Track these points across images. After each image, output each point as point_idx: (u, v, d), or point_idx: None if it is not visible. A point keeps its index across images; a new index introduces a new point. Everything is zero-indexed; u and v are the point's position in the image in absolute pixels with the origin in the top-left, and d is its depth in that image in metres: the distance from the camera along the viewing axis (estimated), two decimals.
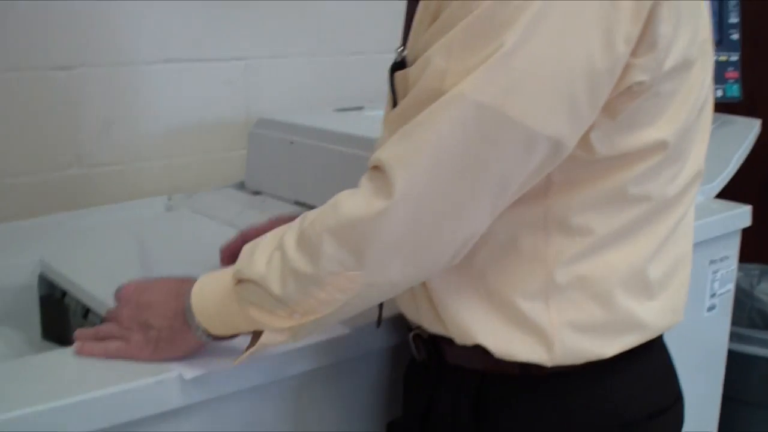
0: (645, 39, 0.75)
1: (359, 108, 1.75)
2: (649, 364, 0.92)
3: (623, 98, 0.78)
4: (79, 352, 0.90)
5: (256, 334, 0.87)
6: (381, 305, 1.01)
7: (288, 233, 0.82)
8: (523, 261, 0.84)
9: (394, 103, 0.86)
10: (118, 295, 0.94)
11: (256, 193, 1.64)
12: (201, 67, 1.77)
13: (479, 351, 0.87)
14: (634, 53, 0.75)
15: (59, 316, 1.27)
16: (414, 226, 0.76)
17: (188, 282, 0.89)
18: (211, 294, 0.87)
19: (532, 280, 0.84)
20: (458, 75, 0.74)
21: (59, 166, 1.61)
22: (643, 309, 0.87)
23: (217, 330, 0.88)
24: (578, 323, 0.85)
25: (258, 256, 0.83)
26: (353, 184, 1.39)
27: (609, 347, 0.86)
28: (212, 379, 0.90)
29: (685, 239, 0.91)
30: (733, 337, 1.76)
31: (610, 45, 0.73)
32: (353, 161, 1.39)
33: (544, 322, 0.84)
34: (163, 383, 0.87)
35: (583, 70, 0.73)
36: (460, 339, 0.88)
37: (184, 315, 0.87)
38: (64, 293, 1.21)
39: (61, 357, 0.92)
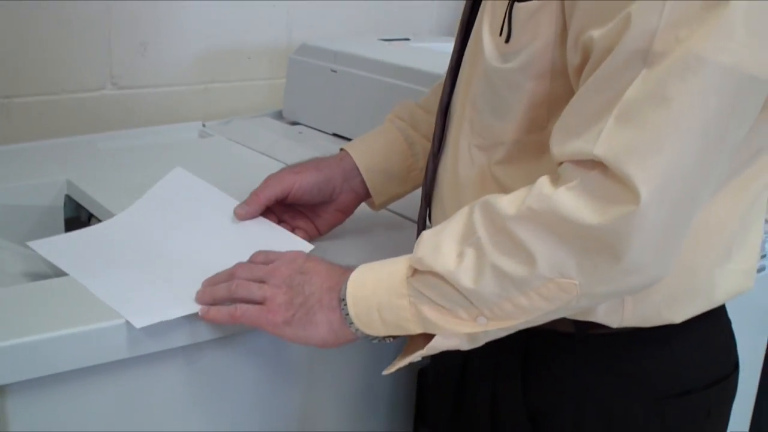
0: None
1: (405, 39, 1.68)
2: (712, 330, 0.85)
3: None
4: (205, 317, 0.82)
5: (419, 337, 0.78)
6: None
7: (479, 224, 0.72)
8: None
9: (507, 38, 0.76)
10: (281, 255, 0.86)
11: (294, 123, 1.59)
12: None
13: None
14: None
15: None
16: (664, 228, 0.66)
17: (353, 269, 0.80)
18: (374, 283, 0.77)
19: None
20: (680, 33, 0.63)
21: (92, 87, 1.58)
22: (721, 272, 0.80)
23: (373, 327, 0.78)
24: (663, 286, 0.76)
25: (446, 248, 0.73)
26: None
27: (681, 312, 0.79)
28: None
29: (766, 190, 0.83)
30: None
31: None
32: (398, 93, 1.34)
33: None
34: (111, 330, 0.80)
35: None
36: None
37: (338, 294, 0.79)
38: (90, 216, 1.16)
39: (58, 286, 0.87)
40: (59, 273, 0.91)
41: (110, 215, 1.07)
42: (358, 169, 1.02)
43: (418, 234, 0.93)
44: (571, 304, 0.71)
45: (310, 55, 1.55)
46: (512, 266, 0.70)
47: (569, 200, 0.67)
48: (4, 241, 1.12)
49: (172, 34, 1.64)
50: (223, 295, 0.83)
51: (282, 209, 1.02)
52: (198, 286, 0.85)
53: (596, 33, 0.67)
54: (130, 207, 1.02)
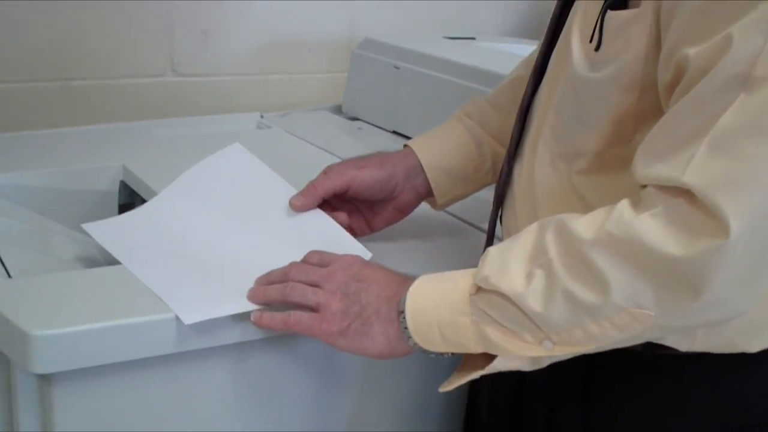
0: None
1: (471, 38, 1.64)
2: None
3: None
4: (257, 323, 0.79)
5: (478, 354, 0.75)
6: None
7: (551, 245, 0.69)
8: None
9: (597, 46, 0.72)
10: (337, 258, 0.83)
11: (353, 118, 1.57)
12: None
13: None
14: None
15: None
16: (751, 265, 0.63)
17: (411, 278, 0.77)
18: (435, 298, 0.74)
19: None
20: None
21: (151, 73, 1.58)
22: None
23: (432, 343, 0.75)
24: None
25: (514, 268, 0.70)
26: None
27: (756, 343, 0.75)
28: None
29: None
30: None
31: None
32: (461, 92, 1.31)
33: None
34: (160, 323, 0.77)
35: None
36: None
37: (397, 306, 0.76)
38: (144, 202, 1.15)
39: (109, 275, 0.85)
40: (111, 260, 0.89)
41: None
42: (421, 166, 0.97)
43: (489, 237, 0.91)
44: (644, 335, 0.67)
45: (374, 51, 1.53)
46: (585, 293, 0.66)
47: (652, 228, 0.63)
48: (59, 225, 1.11)
49: (234, 23, 1.63)
50: (276, 297, 0.80)
51: (339, 203, 0.98)
52: (249, 283, 0.83)
53: (692, 51, 0.63)
54: (183, 177, 0.99)
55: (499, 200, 0.88)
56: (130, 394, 0.80)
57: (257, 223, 0.94)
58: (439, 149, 0.99)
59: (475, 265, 0.74)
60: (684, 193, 0.62)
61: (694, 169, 0.61)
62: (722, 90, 0.61)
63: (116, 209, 1.21)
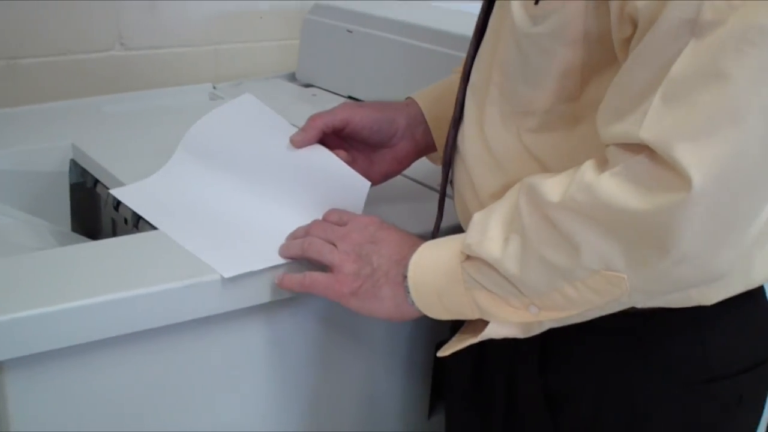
0: None
1: None
2: (749, 313, 0.80)
3: None
4: (279, 285, 0.83)
5: (475, 322, 0.76)
6: (440, 214, 0.89)
7: (524, 210, 0.68)
8: None
9: (536, 0, 0.71)
10: (355, 218, 0.85)
11: (308, 85, 1.55)
12: None
13: None
14: None
15: (90, 207, 1.20)
16: (721, 219, 0.60)
17: (419, 242, 0.79)
18: (432, 268, 0.75)
19: None
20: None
21: (99, 47, 1.54)
22: (760, 252, 0.74)
23: (435, 311, 0.77)
24: None
25: (493, 233, 0.70)
26: (415, 79, 1.27)
27: (712, 295, 0.74)
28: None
29: None
30: None
31: None
32: (417, 54, 1.29)
33: None
34: (199, 286, 0.78)
35: None
36: None
37: (404, 270, 0.77)
38: (96, 182, 1.12)
39: (87, 251, 0.84)
40: (64, 243, 0.87)
41: (116, 181, 1.03)
42: (423, 116, 0.97)
43: (440, 201, 0.90)
44: (623, 299, 0.67)
45: (325, 15, 1.50)
46: (556, 256, 0.66)
47: (613, 187, 0.62)
48: (8, 207, 1.08)
49: None
50: (297, 252, 0.84)
51: (336, 143, 0.95)
52: (274, 237, 0.86)
53: (640, 3, 0.61)
54: (194, 128, 1.00)
55: (448, 165, 0.87)
56: (84, 378, 0.78)
57: (273, 173, 0.95)
58: (440, 100, 0.97)
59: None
60: (644, 149, 0.61)
61: (650, 123, 0.60)
62: (671, 38, 0.59)
63: (67, 189, 1.18)
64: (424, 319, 0.80)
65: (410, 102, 0.98)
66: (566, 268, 0.66)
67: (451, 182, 0.89)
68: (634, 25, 0.63)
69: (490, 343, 0.84)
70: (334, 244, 0.82)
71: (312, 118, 0.93)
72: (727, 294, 0.75)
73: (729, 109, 0.57)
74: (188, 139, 0.99)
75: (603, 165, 0.65)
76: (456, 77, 0.96)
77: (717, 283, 0.73)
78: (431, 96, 0.98)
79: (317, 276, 0.81)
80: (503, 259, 0.69)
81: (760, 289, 0.80)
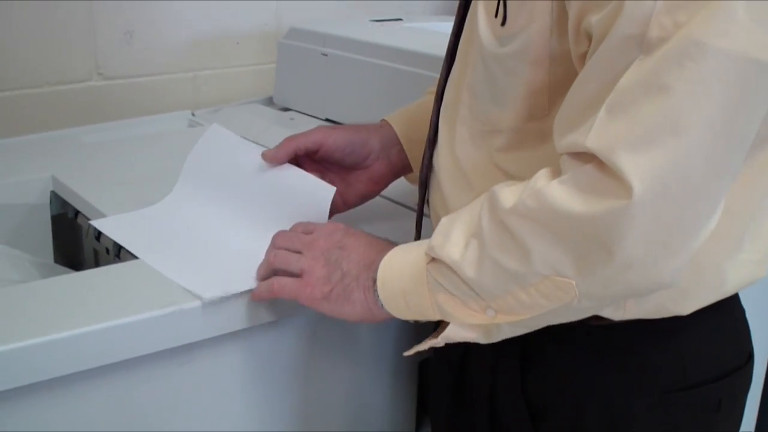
0: None
1: (398, 19, 1.63)
2: (723, 321, 0.81)
3: None
4: (254, 299, 0.84)
5: (443, 325, 0.77)
6: (418, 234, 0.91)
7: (484, 216, 0.70)
8: None
9: (503, 21, 0.72)
10: (320, 227, 0.86)
11: (285, 109, 1.56)
12: None
13: None
14: None
15: (72, 238, 1.20)
16: (663, 226, 0.62)
17: (390, 245, 0.80)
18: (399, 268, 0.77)
19: None
20: (678, 18, 0.59)
21: (77, 78, 1.54)
22: (732, 263, 0.76)
23: (400, 311, 0.78)
24: None
25: (455, 238, 0.72)
26: (391, 100, 1.29)
27: (688, 306, 0.76)
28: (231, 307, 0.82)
29: None
30: None
31: None
32: (391, 75, 1.30)
33: None
34: (179, 314, 0.79)
35: None
36: None
37: (374, 274, 0.78)
38: (76, 213, 1.13)
39: (67, 283, 0.84)
40: (46, 275, 0.88)
41: (97, 212, 1.04)
42: (397, 138, 0.98)
43: (417, 222, 0.91)
44: (573, 305, 0.68)
45: (300, 39, 1.51)
46: (509, 261, 0.68)
47: (561, 194, 0.64)
48: None
49: (157, 21, 1.60)
50: (264, 268, 0.85)
51: (312, 167, 0.97)
52: (254, 260, 0.87)
53: (594, 18, 0.63)
54: (183, 174, 1.02)
55: (424, 185, 0.89)
56: (67, 410, 0.79)
57: (246, 197, 0.97)
58: (415, 122, 0.98)
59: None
60: (593, 158, 0.63)
61: (596, 132, 0.62)
62: (621, 52, 0.61)
63: (49, 221, 1.19)
64: (408, 337, 0.81)
65: (384, 124, 0.99)
66: (518, 272, 0.67)
67: (428, 202, 0.90)
68: (590, 40, 0.65)
69: (473, 356, 0.86)
70: (300, 253, 0.83)
71: (286, 140, 0.94)
72: (701, 304, 0.77)
73: (669, 120, 0.59)
74: (179, 186, 1.02)
75: (557, 174, 0.67)
76: (430, 98, 0.97)
77: (690, 295, 0.75)
78: (405, 117, 1.00)
79: (286, 280, 0.81)
80: (462, 263, 0.70)
81: (733, 297, 0.82)
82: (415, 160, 0.98)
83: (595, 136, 0.62)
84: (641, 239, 0.62)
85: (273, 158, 0.93)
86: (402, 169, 1.00)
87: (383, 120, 1.00)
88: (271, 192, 0.94)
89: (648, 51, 0.60)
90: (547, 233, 0.65)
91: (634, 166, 0.60)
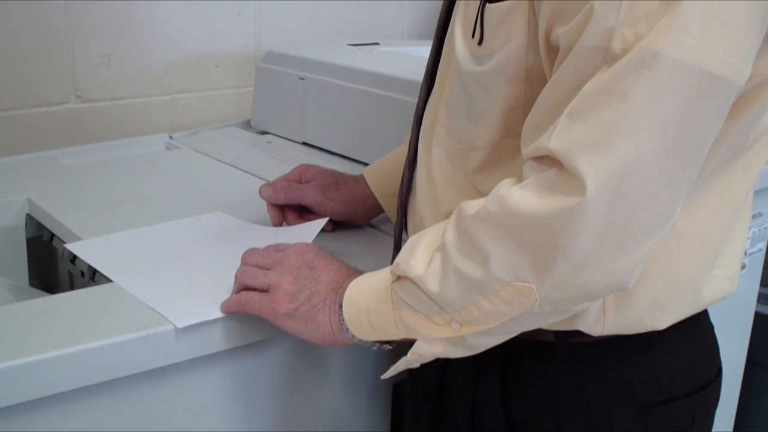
0: None
1: (374, 44, 1.65)
2: (695, 336, 0.83)
3: None
4: (223, 312, 0.84)
5: (410, 344, 0.78)
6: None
7: (448, 228, 0.71)
8: None
9: (480, 40, 0.74)
10: (292, 245, 0.87)
11: (263, 132, 1.57)
12: None
13: None
14: None
15: (47, 260, 1.20)
16: (614, 226, 0.63)
17: (359, 273, 0.81)
18: (366, 288, 0.78)
19: None
20: (639, 30, 0.61)
21: (55, 100, 1.54)
22: (705, 278, 0.78)
23: (363, 332, 0.78)
24: (645, 293, 0.75)
25: (419, 253, 0.73)
26: (367, 124, 1.30)
27: (664, 320, 0.77)
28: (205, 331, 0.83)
29: (751, 193, 0.81)
30: (761, 298, 1.67)
31: None
32: (367, 99, 1.31)
33: None
34: (153, 337, 0.79)
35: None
36: None
37: (340, 298, 0.79)
38: (52, 235, 1.13)
39: (41, 306, 0.84)
40: (21, 298, 0.88)
41: (72, 235, 1.04)
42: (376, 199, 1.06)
43: (395, 244, 0.92)
44: (534, 310, 0.69)
45: (278, 63, 1.52)
46: (470, 268, 0.69)
47: (521, 197, 0.66)
48: None
49: (135, 44, 1.60)
50: (235, 284, 0.86)
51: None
52: (214, 287, 0.88)
53: (561, 30, 0.65)
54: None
55: (403, 208, 0.90)
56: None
57: (230, 237, 1.02)
58: (389, 175, 1.04)
59: None
60: (555, 162, 0.65)
61: (557, 134, 0.64)
62: (585, 63, 0.63)
63: (24, 244, 1.18)
64: (385, 360, 0.81)
65: (364, 186, 1.07)
66: (479, 279, 0.68)
67: (406, 227, 0.91)
68: (557, 52, 0.67)
69: (451, 374, 0.86)
70: (269, 270, 0.84)
71: (288, 187, 1.04)
72: (676, 318, 0.78)
73: (624, 124, 0.61)
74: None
75: (521, 182, 0.68)
76: (404, 147, 1.01)
77: (666, 308, 0.77)
78: (379, 173, 1.07)
79: (252, 294, 0.82)
80: (425, 277, 0.71)
81: (704, 313, 0.84)
82: (392, 211, 1.02)
83: (556, 138, 0.64)
84: (592, 237, 0.63)
85: (268, 198, 1.03)
86: (382, 211, 1.08)
87: (363, 176, 1.07)
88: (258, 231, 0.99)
89: (611, 61, 0.62)
90: (507, 236, 0.67)
91: (589, 166, 0.62)
